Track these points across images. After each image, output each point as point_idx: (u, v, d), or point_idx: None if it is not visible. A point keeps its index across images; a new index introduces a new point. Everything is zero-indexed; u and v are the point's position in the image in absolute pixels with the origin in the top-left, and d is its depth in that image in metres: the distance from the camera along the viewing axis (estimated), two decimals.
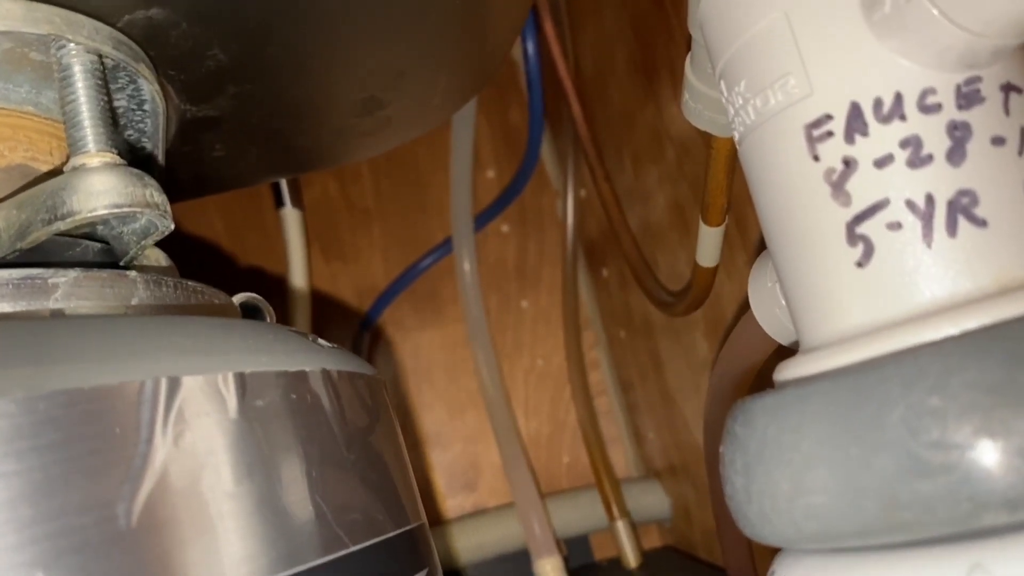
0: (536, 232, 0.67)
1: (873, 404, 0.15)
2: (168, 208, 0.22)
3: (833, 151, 0.17)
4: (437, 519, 0.61)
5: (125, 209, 0.21)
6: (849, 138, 0.17)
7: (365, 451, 0.21)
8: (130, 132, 0.28)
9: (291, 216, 0.54)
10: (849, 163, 0.17)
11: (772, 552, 0.19)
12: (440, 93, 0.38)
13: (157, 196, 0.22)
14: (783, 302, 0.23)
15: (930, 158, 0.16)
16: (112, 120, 0.24)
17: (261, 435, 0.18)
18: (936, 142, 0.16)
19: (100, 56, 0.24)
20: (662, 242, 0.49)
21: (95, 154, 0.22)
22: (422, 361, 0.65)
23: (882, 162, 0.17)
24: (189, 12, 0.25)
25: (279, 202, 0.54)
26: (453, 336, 0.65)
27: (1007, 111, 0.17)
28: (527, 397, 0.65)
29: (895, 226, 0.16)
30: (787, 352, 0.23)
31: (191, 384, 0.17)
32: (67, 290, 0.20)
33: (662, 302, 0.42)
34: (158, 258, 0.26)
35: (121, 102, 0.27)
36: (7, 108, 0.24)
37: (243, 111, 0.32)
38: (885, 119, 0.17)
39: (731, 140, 0.25)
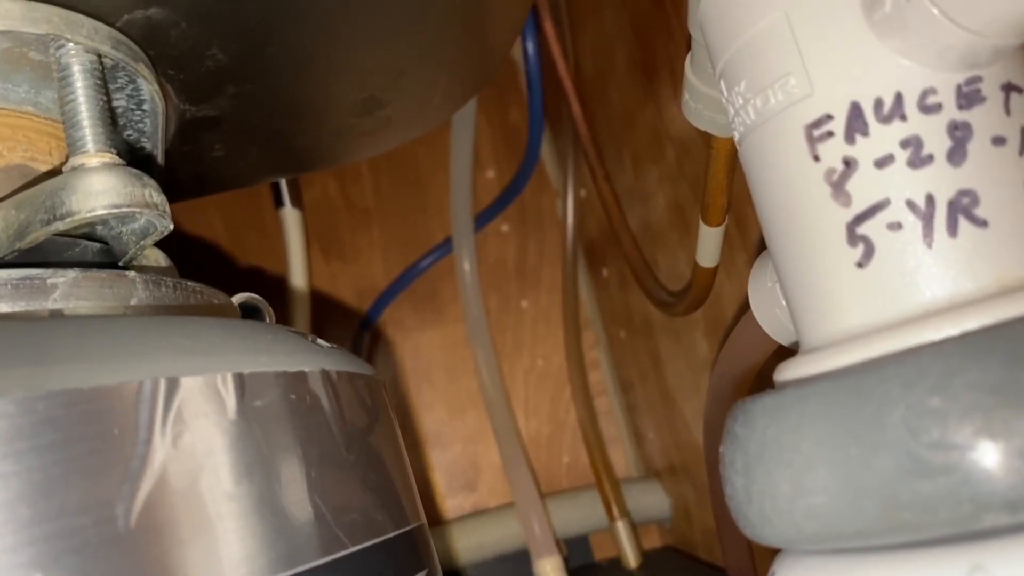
0: (536, 232, 0.67)
1: (873, 404, 0.15)
2: (167, 208, 0.22)
3: (833, 151, 0.17)
4: (437, 519, 0.61)
5: (124, 209, 0.21)
6: (849, 138, 0.17)
7: (364, 452, 0.21)
8: (129, 132, 0.28)
9: (291, 216, 0.54)
10: (849, 163, 0.17)
11: (772, 552, 0.19)
12: (440, 93, 0.38)
13: (156, 196, 0.22)
14: (783, 302, 0.23)
15: (931, 158, 0.16)
16: (111, 120, 0.24)
17: (260, 436, 0.18)
18: (937, 142, 0.16)
19: (99, 56, 0.24)
20: (662, 242, 0.49)
21: (94, 154, 0.22)
22: (422, 361, 0.65)
23: (882, 162, 0.16)
24: (188, 12, 0.25)
25: (279, 202, 0.54)
26: (453, 336, 0.65)
27: (1008, 111, 0.17)
28: (527, 397, 0.65)
29: (895, 226, 0.16)
30: (787, 352, 0.23)
31: (190, 384, 0.17)
32: (66, 290, 0.20)
33: (662, 302, 0.42)
34: (157, 258, 0.26)
35: (120, 102, 0.27)
36: (6, 108, 0.24)
37: (243, 111, 0.32)
38: (885, 119, 0.16)
39: (731, 140, 0.25)
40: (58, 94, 0.23)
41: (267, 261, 0.63)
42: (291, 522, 0.18)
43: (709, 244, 0.31)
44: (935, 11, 0.15)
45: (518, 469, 0.59)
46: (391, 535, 0.21)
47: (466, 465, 0.64)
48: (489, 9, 0.34)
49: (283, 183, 0.54)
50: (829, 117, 0.17)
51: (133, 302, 0.22)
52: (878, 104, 0.17)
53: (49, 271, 0.20)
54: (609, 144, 0.55)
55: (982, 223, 0.16)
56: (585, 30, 0.57)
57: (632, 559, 0.57)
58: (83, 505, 0.15)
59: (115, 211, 0.21)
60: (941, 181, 0.16)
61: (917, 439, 0.14)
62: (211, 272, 0.62)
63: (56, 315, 0.20)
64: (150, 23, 0.25)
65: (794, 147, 0.18)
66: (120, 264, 0.24)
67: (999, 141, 0.16)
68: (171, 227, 0.23)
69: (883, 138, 0.16)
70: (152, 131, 0.28)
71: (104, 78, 0.24)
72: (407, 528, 0.22)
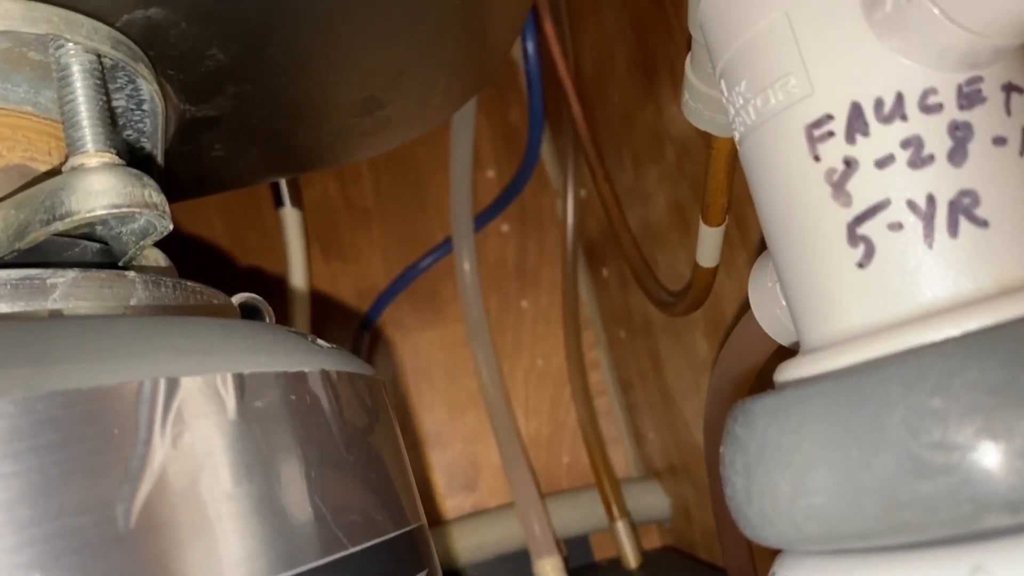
0: (536, 232, 0.67)
1: (874, 405, 0.15)
2: (167, 208, 0.22)
3: (834, 151, 0.17)
4: (437, 519, 0.61)
5: (124, 209, 0.21)
6: (850, 138, 0.17)
7: (364, 452, 0.21)
8: (129, 132, 0.28)
9: (291, 216, 0.54)
10: (850, 163, 0.17)
11: (772, 552, 0.19)
12: (440, 93, 0.38)
13: (156, 196, 0.22)
14: (783, 302, 0.23)
15: (931, 158, 0.16)
16: (111, 120, 0.24)
17: (260, 436, 0.18)
18: (937, 142, 0.16)
19: (99, 56, 0.24)
20: (662, 242, 0.49)
21: (94, 154, 0.22)
22: (422, 361, 0.65)
23: (883, 162, 0.16)
24: (188, 12, 0.25)
25: (279, 202, 0.54)
26: (453, 336, 0.65)
27: (1008, 111, 0.17)
28: (527, 397, 0.65)
29: (896, 226, 0.16)
30: (787, 352, 0.23)
31: (190, 385, 0.17)
32: (65, 290, 0.20)
33: (662, 302, 0.42)
34: (157, 258, 0.26)
35: (120, 102, 0.27)
36: (6, 108, 0.24)
37: (242, 111, 0.32)
38: (886, 119, 0.16)
39: (731, 140, 0.25)
40: (58, 94, 0.23)
41: (267, 261, 0.63)
42: (291, 522, 0.18)
43: (709, 244, 0.31)
44: (936, 11, 0.15)
45: (518, 469, 0.59)
46: (391, 535, 0.21)
47: (466, 465, 0.64)
48: (489, 9, 0.34)
49: (283, 183, 0.54)
50: (829, 117, 0.17)
51: (133, 302, 0.22)
52: (879, 104, 0.17)
53: (49, 271, 0.20)
54: (609, 144, 0.55)
55: (983, 223, 0.16)
56: (585, 30, 0.57)
57: (632, 559, 0.57)
58: (83, 505, 0.15)
59: (115, 211, 0.21)
60: (942, 181, 0.16)
61: (918, 439, 0.14)
62: (211, 272, 0.62)
63: (56, 315, 0.20)
64: (150, 23, 0.25)
65: (794, 147, 0.18)
66: (120, 264, 0.24)
67: (1000, 141, 0.16)
68: (171, 227, 0.23)
69: (884, 138, 0.16)
70: (152, 131, 0.28)
71: (104, 78, 0.24)
72: (407, 528, 0.22)
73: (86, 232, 0.24)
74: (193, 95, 0.30)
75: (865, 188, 0.17)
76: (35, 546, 0.15)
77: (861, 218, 0.17)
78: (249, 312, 0.28)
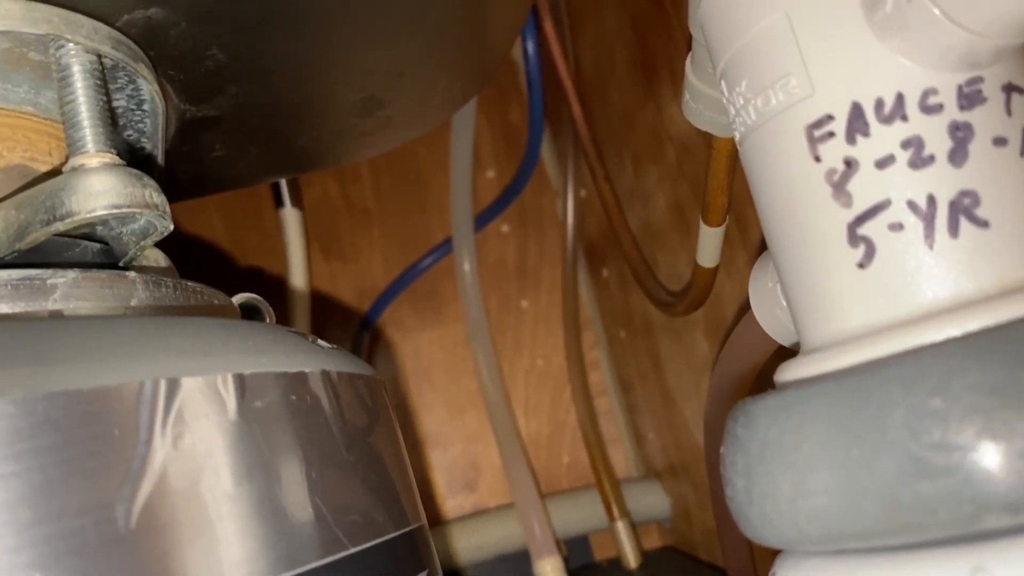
0: (536, 232, 0.67)
1: (874, 405, 0.15)
2: (167, 209, 0.22)
3: (834, 151, 0.17)
4: (437, 519, 0.61)
5: (124, 210, 0.21)
6: (850, 138, 0.17)
7: (365, 452, 0.21)
8: (129, 132, 0.28)
9: (291, 216, 0.54)
10: (850, 164, 0.17)
11: (773, 552, 0.19)
12: (440, 93, 0.38)
13: (156, 197, 0.22)
14: (784, 303, 0.23)
15: (932, 159, 0.16)
16: (111, 120, 0.24)
17: (260, 436, 0.18)
18: (938, 143, 0.16)
19: (99, 56, 0.24)
20: (662, 242, 0.49)
21: (94, 154, 0.22)
22: (422, 361, 0.65)
23: (883, 163, 0.16)
24: (188, 12, 0.25)
25: (279, 202, 0.54)
26: (453, 336, 0.65)
27: (1009, 111, 0.17)
28: (527, 397, 0.65)
29: (897, 227, 0.16)
30: (788, 353, 0.23)
31: (190, 385, 0.17)
32: (66, 291, 0.20)
33: (662, 302, 0.42)
34: (157, 258, 0.26)
35: (120, 102, 0.27)
36: (6, 108, 0.24)
37: (243, 111, 0.32)
38: (886, 119, 0.16)
39: (732, 140, 0.25)
40: (58, 94, 0.23)
41: (267, 261, 0.63)
42: (291, 523, 0.18)
43: (709, 244, 0.31)
44: (936, 11, 0.15)
45: (518, 469, 0.59)
46: (391, 536, 0.21)
47: (466, 465, 0.64)
48: (489, 9, 0.34)
49: (283, 183, 0.54)
50: (830, 117, 0.17)
51: (133, 303, 0.22)
52: (879, 104, 0.17)
53: (49, 272, 0.20)
54: (609, 144, 0.55)
55: (983, 224, 0.16)
56: (585, 30, 0.57)
57: (632, 559, 0.57)
58: (83, 506, 0.15)
59: (115, 212, 0.21)
60: (942, 182, 0.16)
61: (918, 440, 0.14)
62: (211, 272, 0.62)
63: (56, 316, 0.20)
64: (150, 23, 0.25)
65: (795, 147, 0.18)
66: (120, 264, 0.24)
67: (1000, 142, 0.16)
68: (171, 228, 0.23)
69: (884, 138, 0.16)
70: (152, 131, 0.28)
71: (104, 78, 0.24)
72: (407, 529, 0.22)
73: (86, 232, 0.24)
74: (193, 95, 0.30)
75: (866, 188, 0.17)
76: (36, 547, 0.15)
77: (862, 218, 0.17)
78: (249, 312, 0.28)
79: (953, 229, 0.16)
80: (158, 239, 0.23)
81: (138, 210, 0.21)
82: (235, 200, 0.63)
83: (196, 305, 0.24)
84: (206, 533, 0.17)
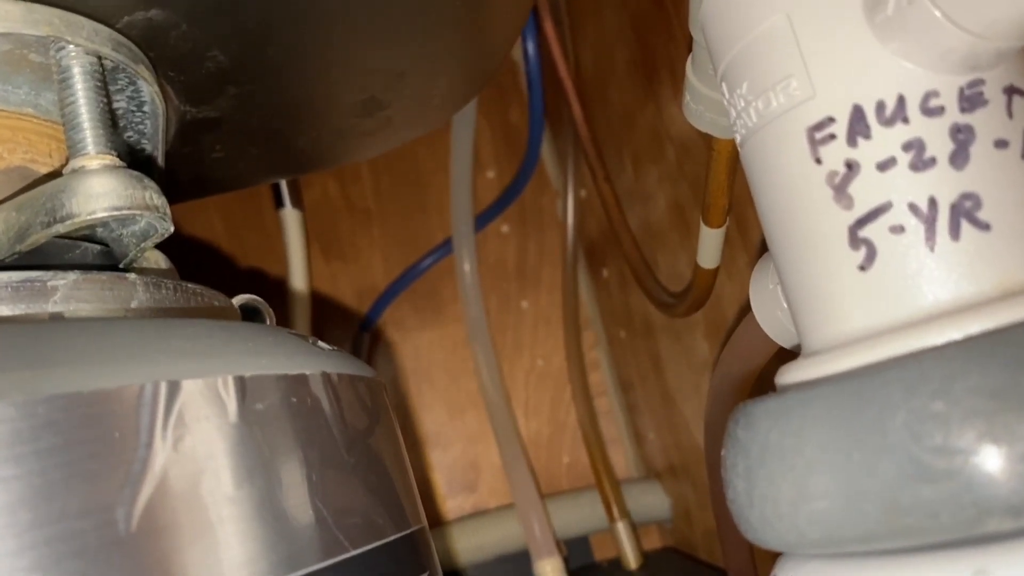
0: (536, 232, 0.67)
1: (875, 409, 0.15)
2: (168, 210, 0.22)
3: (835, 154, 0.17)
4: (437, 520, 0.61)
5: (124, 212, 0.21)
6: (851, 141, 0.17)
7: (365, 454, 0.21)
8: (130, 134, 0.28)
9: (291, 217, 0.54)
10: (851, 166, 0.17)
11: (773, 553, 0.19)
12: (441, 94, 0.38)
13: (157, 198, 0.22)
14: (785, 305, 0.23)
15: (933, 161, 0.16)
16: (112, 122, 0.24)
17: (261, 439, 0.18)
18: (939, 145, 0.16)
19: (99, 58, 0.24)
20: (662, 242, 0.49)
21: (94, 156, 0.22)
22: (422, 361, 0.65)
23: (885, 165, 0.16)
24: (188, 13, 0.25)
25: (279, 203, 0.54)
26: (453, 336, 0.65)
27: (1010, 114, 0.17)
28: (527, 398, 0.65)
29: (898, 229, 0.16)
30: (788, 354, 0.23)
31: (191, 388, 0.17)
32: (66, 293, 0.20)
33: (662, 303, 0.42)
34: (158, 260, 0.26)
35: (120, 104, 0.27)
36: (6, 110, 0.24)
37: (243, 112, 0.32)
38: (888, 122, 0.16)
39: (732, 141, 0.25)
40: (58, 96, 0.23)
41: (267, 262, 0.63)
42: (292, 525, 0.18)
43: (710, 245, 0.31)
44: (937, 13, 0.15)
45: (518, 470, 0.59)
46: (392, 538, 0.21)
47: (466, 466, 0.64)
48: (490, 10, 0.34)
49: (283, 184, 0.54)
50: (831, 120, 0.17)
51: (134, 304, 0.22)
52: (880, 107, 0.17)
53: (49, 273, 0.20)
54: (609, 144, 0.55)
55: (984, 226, 0.16)
56: (585, 30, 0.57)
57: (632, 560, 0.57)
58: (84, 509, 0.15)
59: (115, 214, 0.21)
60: (943, 184, 0.16)
61: (919, 443, 0.14)
62: (211, 273, 0.62)
63: (56, 318, 0.20)
64: (150, 25, 0.25)
65: (796, 150, 0.18)
66: (120, 266, 0.24)
67: (1001, 144, 0.16)
68: (171, 229, 0.23)
69: (885, 141, 0.16)
70: (152, 133, 0.28)
71: (104, 80, 0.24)
72: (408, 531, 0.22)
73: (87, 234, 0.24)
74: (194, 96, 0.30)
75: (867, 191, 0.17)
76: (36, 550, 0.15)
77: (863, 221, 0.17)
78: (250, 314, 0.28)
79: (954, 232, 0.16)
80: (158, 241, 0.23)
81: (138, 212, 0.21)
82: (235, 201, 0.63)
83: (196, 307, 0.24)
84: (207, 536, 0.17)
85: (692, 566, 0.54)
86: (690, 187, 0.44)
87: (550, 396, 0.65)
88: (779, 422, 0.17)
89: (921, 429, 0.14)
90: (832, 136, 0.17)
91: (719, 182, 0.27)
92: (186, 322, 0.21)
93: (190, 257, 0.61)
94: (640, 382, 0.60)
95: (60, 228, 0.21)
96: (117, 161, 0.22)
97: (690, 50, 0.24)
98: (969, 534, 0.14)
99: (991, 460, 0.14)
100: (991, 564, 0.14)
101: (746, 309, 0.26)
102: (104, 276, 0.21)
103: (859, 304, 0.17)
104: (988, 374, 0.14)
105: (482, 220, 0.64)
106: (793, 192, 0.18)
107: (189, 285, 0.24)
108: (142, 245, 0.23)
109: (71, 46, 0.23)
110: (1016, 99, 0.17)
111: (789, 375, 0.18)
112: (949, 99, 0.16)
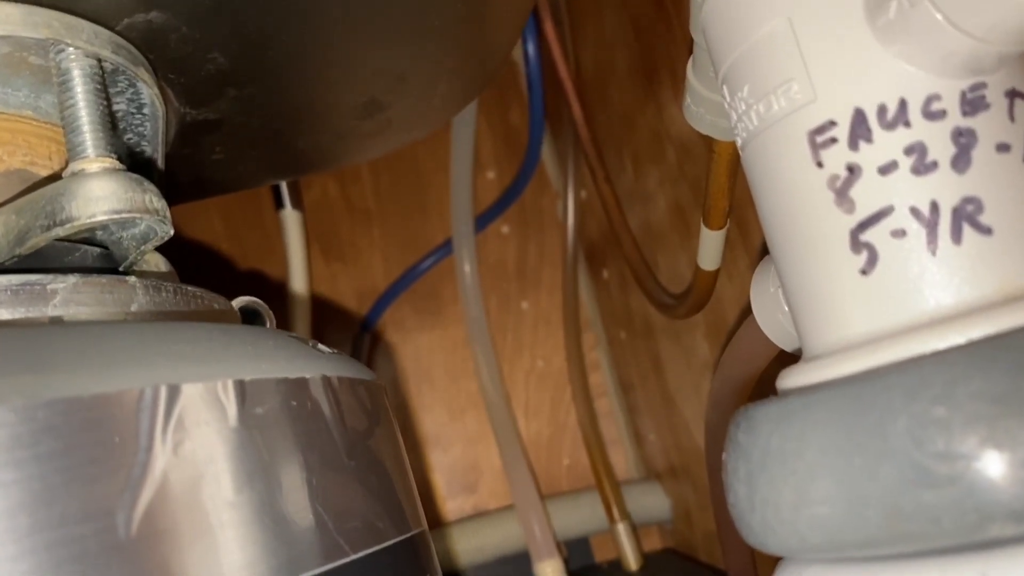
0: (536, 233, 0.67)
1: (877, 413, 0.15)
2: (168, 213, 0.22)
3: (837, 157, 0.17)
4: (437, 521, 0.61)
5: (124, 215, 0.21)
6: (853, 144, 0.17)
7: (365, 458, 0.21)
8: (129, 136, 0.28)
9: (291, 218, 0.54)
10: (853, 170, 0.17)
11: (774, 556, 0.19)
12: (441, 95, 0.38)
13: (156, 202, 0.22)
14: (785, 308, 0.23)
15: (935, 165, 0.16)
16: (111, 124, 0.24)
17: (261, 443, 0.18)
18: (941, 149, 0.16)
19: (99, 60, 0.24)
20: (663, 244, 0.49)
21: (94, 159, 0.22)
22: (422, 362, 0.65)
23: (886, 169, 0.16)
24: (189, 16, 0.25)
25: (279, 204, 0.54)
26: (453, 337, 0.65)
27: (1012, 117, 0.17)
28: (527, 398, 0.65)
29: (899, 233, 0.16)
30: (789, 357, 0.23)
31: (191, 392, 0.17)
32: (66, 296, 0.20)
33: (663, 304, 0.42)
34: (158, 263, 0.26)
35: (120, 106, 0.27)
36: (6, 112, 0.24)
37: (243, 114, 0.32)
38: (889, 125, 0.16)
39: (732, 143, 0.25)
40: (58, 99, 0.23)
41: (267, 263, 0.63)
42: (292, 529, 0.18)
43: (710, 247, 0.31)
44: (939, 17, 0.15)
45: (518, 471, 0.58)
46: (392, 542, 0.21)
47: (466, 467, 0.63)
48: (490, 11, 0.34)
49: (283, 185, 0.54)
50: (832, 123, 0.17)
51: (133, 308, 0.22)
52: (882, 110, 0.17)
53: (49, 277, 0.20)
54: (609, 145, 0.55)
55: (986, 230, 0.16)
56: (585, 31, 0.57)
57: (633, 561, 0.57)
58: (84, 513, 0.15)
59: (115, 217, 0.21)
60: (945, 188, 0.16)
61: (921, 449, 0.14)
62: (211, 274, 0.62)
63: (56, 321, 0.20)
64: (150, 27, 0.25)
65: (797, 153, 0.17)
66: (120, 269, 0.24)
67: (1003, 148, 0.16)
68: (171, 232, 0.23)
69: (887, 145, 0.16)
70: (152, 135, 0.28)
71: (104, 82, 0.24)
72: (408, 534, 0.22)
73: (87, 237, 0.24)
74: (194, 98, 0.30)
75: (868, 195, 0.17)
76: (36, 554, 0.14)
77: (864, 225, 0.17)
78: (250, 316, 0.28)
79: (956, 236, 0.16)
80: (158, 244, 0.23)
81: (138, 215, 0.21)
82: (235, 202, 0.63)
83: (196, 310, 0.24)
84: (207, 540, 0.16)
85: (692, 568, 0.54)
86: (690, 188, 0.44)
87: (550, 397, 0.65)
88: (780, 426, 0.16)
89: (923, 434, 0.14)
90: (833, 140, 0.17)
91: (720, 184, 0.27)
92: (186, 326, 0.21)
93: (190, 258, 0.61)
94: (640, 383, 0.60)
95: (60, 231, 0.21)
96: (117, 164, 0.22)
97: (691, 52, 0.24)
98: (971, 540, 0.14)
99: (993, 465, 0.14)
100: (993, 570, 0.14)
101: (747, 311, 0.26)
102: (104, 279, 0.21)
103: (860, 308, 0.17)
104: (990, 379, 0.14)
105: (482, 221, 0.64)
106: (794, 196, 0.18)
107: (189, 288, 0.24)
108: (142, 248, 0.23)
109: (71, 48, 0.23)
110: (1018, 103, 0.17)
111: (790, 379, 0.18)
112: (951, 103, 0.16)
